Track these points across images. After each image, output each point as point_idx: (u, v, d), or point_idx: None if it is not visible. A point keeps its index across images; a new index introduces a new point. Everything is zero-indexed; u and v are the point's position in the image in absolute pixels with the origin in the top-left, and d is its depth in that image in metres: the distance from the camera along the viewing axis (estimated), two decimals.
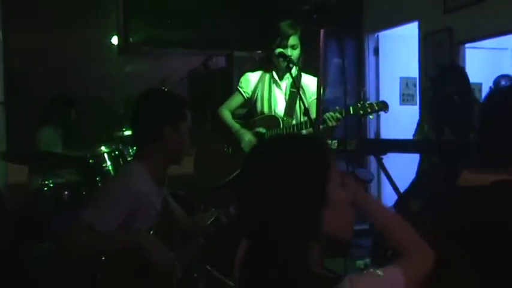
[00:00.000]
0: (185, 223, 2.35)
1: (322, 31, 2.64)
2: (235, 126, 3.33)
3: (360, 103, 3.05)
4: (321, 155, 1.20)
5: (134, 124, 2.23)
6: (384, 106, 3.09)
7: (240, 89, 3.40)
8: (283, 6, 5.42)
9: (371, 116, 3.07)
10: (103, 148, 3.59)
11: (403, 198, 3.50)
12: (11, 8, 4.88)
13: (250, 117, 3.39)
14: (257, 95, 3.35)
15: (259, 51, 4.83)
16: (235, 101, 3.42)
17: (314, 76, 3.22)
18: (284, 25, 3.21)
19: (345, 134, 3.11)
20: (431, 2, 4.92)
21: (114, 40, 5.47)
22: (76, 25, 5.13)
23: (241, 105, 3.43)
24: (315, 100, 3.24)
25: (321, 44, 2.63)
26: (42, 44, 4.98)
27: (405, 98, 6.01)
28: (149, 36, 5.53)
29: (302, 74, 3.33)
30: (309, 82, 3.27)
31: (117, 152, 3.59)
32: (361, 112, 3.03)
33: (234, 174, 3.22)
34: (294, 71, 3.27)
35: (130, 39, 5.48)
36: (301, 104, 2.88)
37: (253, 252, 1.18)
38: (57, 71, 4.94)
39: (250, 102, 3.40)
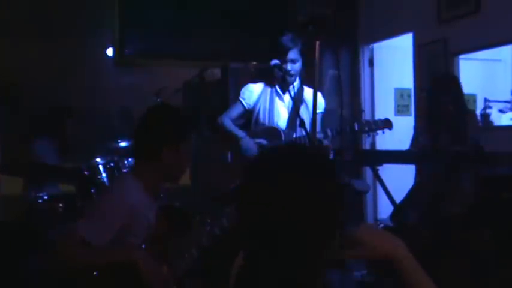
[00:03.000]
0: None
1: (317, 43, 2.66)
2: (241, 133, 3.31)
3: (365, 121, 3.09)
4: (333, 175, 1.15)
5: (136, 137, 2.21)
6: (388, 124, 3.12)
7: (241, 99, 3.39)
8: (279, 18, 5.46)
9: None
10: (98, 160, 3.57)
11: (399, 209, 3.49)
12: (6, 21, 4.88)
13: (248, 128, 3.39)
14: (259, 107, 3.34)
15: (255, 63, 4.83)
16: (236, 111, 3.41)
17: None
18: (284, 39, 3.21)
19: (341, 145, 3.12)
20: (426, 13, 4.95)
21: (109, 52, 5.47)
22: (71, 37, 5.13)
23: (242, 116, 3.43)
24: (320, 114, 3.27)
25: (317, 55, 2.65)
26: (37, 55, 4.97)
27: (400, 109, 6.03)
28: (144, 48, 5.53)
29: (304, 87, 3.33)
30: (311, 95, 3.26)
31: (112, 164, 3.57)
32: (367, 129, 3.07)
33: (235, 183, 3.20)
34: (296, 84, 3.28)
35: (126, 51, 5.48)
36: (300, 115, 2.90)
37: (250, 266, 1.16)
38: (52, 83, 4.92)
39: (250, 113, 3.39)
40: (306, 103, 3.29)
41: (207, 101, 4.89)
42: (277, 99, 3.32)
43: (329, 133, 3.09)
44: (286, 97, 3.32)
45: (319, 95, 3.23)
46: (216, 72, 4.96)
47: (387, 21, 5.52)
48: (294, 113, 3.24)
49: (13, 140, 4.71)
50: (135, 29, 5.49)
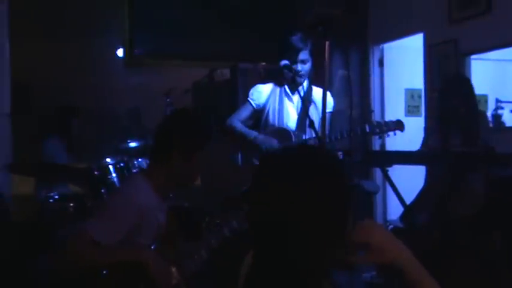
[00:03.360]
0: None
1: (327, 43, 2.65)
2: (253, 132, 3.30)
3: (376, 122, 3.08)
4: (342, 176, 1.15)
5: (154, 138, 2.22)
6: (399, 126, 3.10)
7: (251, 100, 3.37)
8: (288, 18, 5.45)
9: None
10: (108, 160, 3.59)
11: (409, 210, 3.48)
12: (17, 21, 4.91)
13: (257, 130, 3.38)
14: (269, 107, 3.32)
15: (264, 63, 4.84)
16: (245, 112, 3.39)
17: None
18: (294, 39, 3.19)
19: (351, 146, 3.11)
20: (436, 13, 4.92)
21: (119, 52, 5.49)
22: (81, 38, 5.16)
23: (251, 117, 3.41)
24: (330, 114, 3.26)
25: (327, 55, 2.64)
26: (48, 57, 5.00)
27: (410, 110, 6.00)
28: (154, 48, 5.55)
29: (313, 87, 3.32)
30: (320, 95, 3.25)
31: (122, 164, 3.59)
32: (378, 131, 3.05)
33: (246, 185, 3.18)
34: (305, 84, 3.27)
35: (135, 51, 5.51)
36: (310, 116, 2.89)
37: (259, 266, 1.16)
38: (63, 83, 4.96)
39: (259, 114, 3.37)
40: (315, 103, 3.28)
41: (216, 101, 4.91)
42: (286, 100, 3.31)
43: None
44: (296, 97, 3.31)
45: (328, 94, 3.22)
46: (225, 72, 4.97)
47: (397, 21, 5.50)
48: (304, 113, 3.23)
49: (23, 140, 4.74)
50: (144, 30, 5.51)
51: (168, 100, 4.57)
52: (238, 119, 3.37)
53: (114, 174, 3.55)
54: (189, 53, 5.56)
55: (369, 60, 5.97)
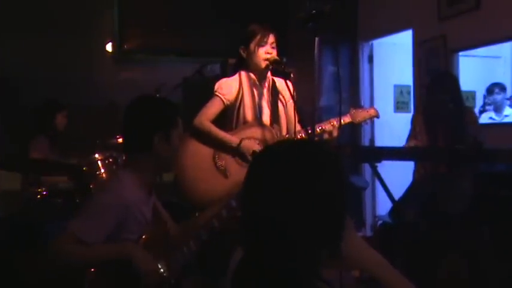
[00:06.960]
0: (175, 229, 2.34)
1: (317, 39, 2.65)
2: (234, 140, 3.04)
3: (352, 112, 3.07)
4: (342, 173, 1.15)
5: (125, 132, 2.19)
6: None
7: (220, 95, 3.10)
8: (278, 13, 5.45)
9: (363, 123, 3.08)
10: (96, 155, 3.57)
11: (398, 206, 3.50)
12: (3, 15, 4.87)
13: (228, 126, 3.15)
14: (240, 101, 3.11)
15: None
16: (215, 108, 3.11)
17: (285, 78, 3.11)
18: (258, 26, 3.10)
19: (340, 141, 3.11)
20: (426, 10, 4.95)
21: (109, 47, 5.46)
22: (70, 32, 5.12)
23: (220, 113, 3.13)
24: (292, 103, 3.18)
25: (316, 51, 2.64)
26: (36, 51, 4.96)
27: (399, 106, 6.04)
28: (144, 43, 5.52)
29: (274, 78, 3.20)
30: (282, 85, 3.12)
31: (110, 160, 3.57)
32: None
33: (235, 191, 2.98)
34: (269, 74, 3.18)
35: (125, 46, 5.47)
36: (296, 113, 2.86)
37: (250, 261, 1.16)
38: (50, 78, 4.91)
39: (229, 110, 3.13)
40: (279, 94, 3.18)
41: (207, 96, 4.88)
42: (256, 92, 3.12)
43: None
44: (265, 89, 3.16)
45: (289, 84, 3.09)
46: (215, 68, 4.95)
47: (387, 18, 5.52)
48: (275, 106, 3.15)
49: (8, 135, 4.71)
50: (134, 25, 5.48)
51: (158, 96, 4.55)
52: (208, 119, 3.09)
53: (102, 170, 3.54)
54: (179, 48, 5.54)
55: (359, 56, 6.00)
